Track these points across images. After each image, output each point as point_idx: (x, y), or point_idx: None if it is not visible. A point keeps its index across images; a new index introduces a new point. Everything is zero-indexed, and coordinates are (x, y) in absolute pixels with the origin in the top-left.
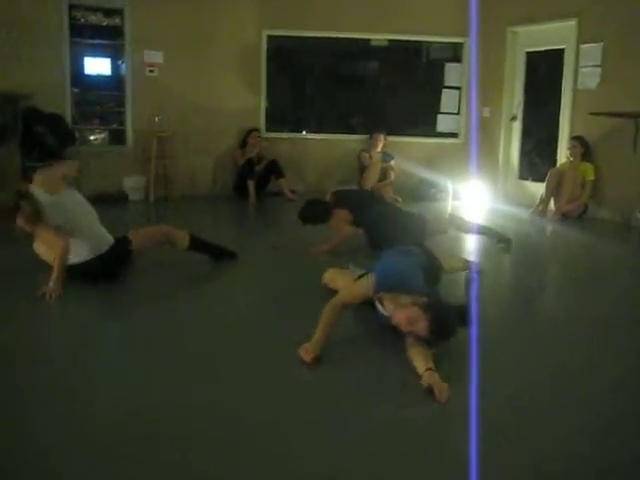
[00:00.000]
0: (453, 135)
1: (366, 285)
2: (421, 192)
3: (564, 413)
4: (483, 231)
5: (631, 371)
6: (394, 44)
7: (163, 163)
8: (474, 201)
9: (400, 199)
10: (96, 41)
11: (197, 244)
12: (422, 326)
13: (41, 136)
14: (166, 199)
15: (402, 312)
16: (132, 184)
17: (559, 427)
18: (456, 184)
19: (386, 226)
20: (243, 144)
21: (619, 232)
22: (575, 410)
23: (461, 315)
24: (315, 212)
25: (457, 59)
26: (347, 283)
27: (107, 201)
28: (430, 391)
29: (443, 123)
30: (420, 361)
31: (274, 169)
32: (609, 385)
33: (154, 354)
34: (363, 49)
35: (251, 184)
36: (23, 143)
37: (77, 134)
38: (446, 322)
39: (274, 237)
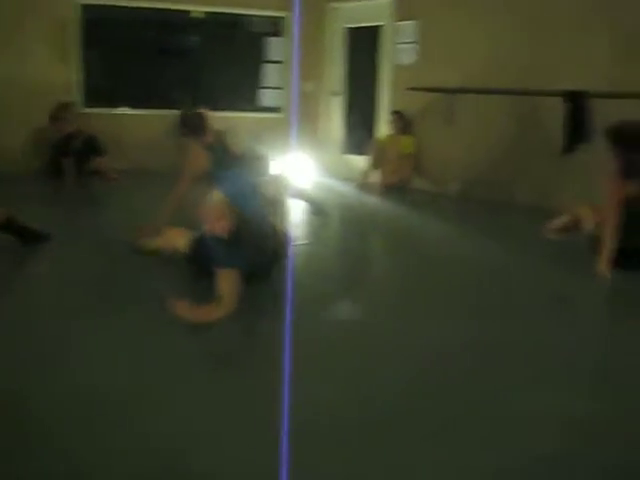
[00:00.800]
0: (276, 110)
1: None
2: (244, 167)
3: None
4: (306, 199)
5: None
6: (214, 17)
7: None
8: (298, 175)
9: None
10: None
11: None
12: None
13: None
14: None
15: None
16: None
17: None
18: (280, 159)
19: None
20: (54, 119)
21: (437, 202)
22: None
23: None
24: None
25: (278, 33)
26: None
27: None
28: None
29: (266, 98)
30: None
31: (93, 146)
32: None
33: None
34: (183, 21)
35: (67, 162)
36: None
37: None
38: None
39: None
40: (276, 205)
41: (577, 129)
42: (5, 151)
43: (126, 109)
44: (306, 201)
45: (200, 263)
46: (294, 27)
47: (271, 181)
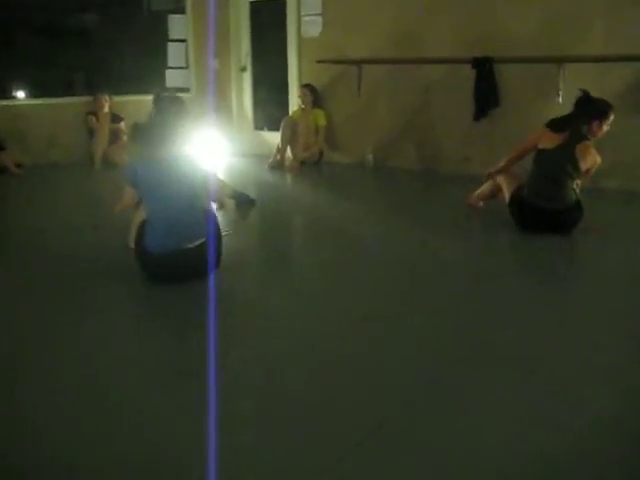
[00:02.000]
0: (184, 90)
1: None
2: None
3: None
4: (232, 195)
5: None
6: None
7: None
8: (211, 154)
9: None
10: None
11: None
12: None
13: None
14: None
15: None
16: None
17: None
18: (192, 139)
19: None
20: None
21: (354, 173)
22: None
23: None
24: None
25: (181, 10)
26: None
27: None
28: None
29: (172, 78)
30: None
31: None
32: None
33: None
34: (80, 2)
35: None
36: None
37: None
38: None
39: None
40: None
41: (487, 94)
42: None
43: (23, 99)
44: (232, 197)
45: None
46: (200, 3)
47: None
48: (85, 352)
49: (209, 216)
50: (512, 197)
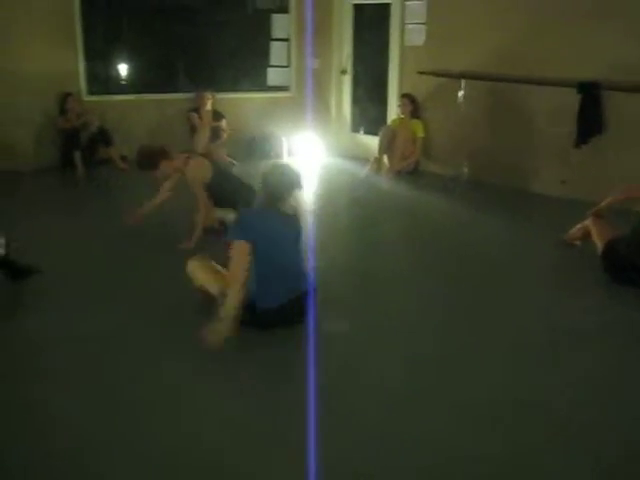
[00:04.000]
0: (284, 89)
1: (235, 251)
2: (255, 149)
3: None
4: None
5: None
6: None
7: None
8: (308, 156)
9: (235, 162)
10: None
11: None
12: None
13: None
14: None
15: None
16: None
17: None
18: (290, 139)
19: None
20: (62, 111)
21: (447, 186)
22: None
23: None
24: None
25: (284, 10)
26: (209, 277)
27: None
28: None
29: (273, 77)
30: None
31: (102, 137)
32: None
33: None
34: (184, 2)
35: (77, 155)
36: None
37: None
38: None
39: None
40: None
41: (591, 121)
42: (19, 147)
43: (131, 95)
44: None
45: None
46: (301, 3)
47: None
48: (188, 409)
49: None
50: (606, 249)
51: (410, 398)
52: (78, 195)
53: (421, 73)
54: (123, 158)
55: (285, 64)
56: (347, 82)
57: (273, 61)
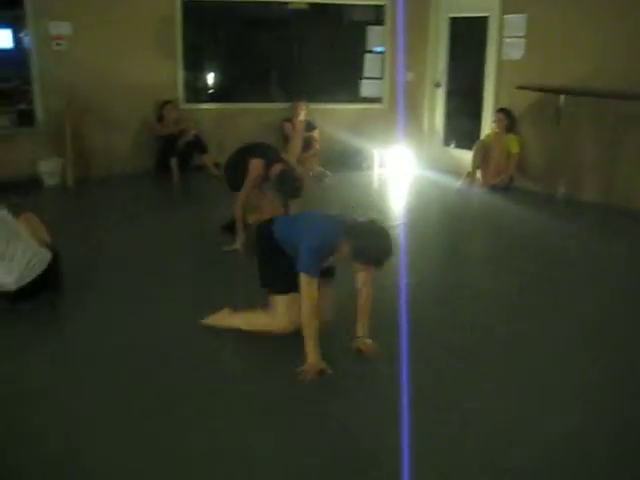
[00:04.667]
0: (377, 100)
1: (310, 287)
2: (346, 160)
3: None
4: None
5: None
6: (314, 7)
7: (79, 144)
8: (399, 168)
9: (328, 172)
10: None
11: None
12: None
13: None
14: (84, 181)
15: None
16: (47, 168)
17: None
18: (381, 151)
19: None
20: (159, 118)
21: (543, 203)
22: None
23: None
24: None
25: (379, 22)
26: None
27: (19, 188)
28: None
29: (366, 88)
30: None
31: (197, 144)
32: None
33: None
34: (282, 13)
35: (173, 162)
36: None
37: None
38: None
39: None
40: None
41: None
42: (117, 153)
43: (226, 104)
44: None
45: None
46: (396, 15)
47: None
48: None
49: None
50: None
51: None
52: (173, 199)
53: (520, 88)
54: (216, 165)
55: (378, 76)
56: (440, 95)
57: (367, 73)
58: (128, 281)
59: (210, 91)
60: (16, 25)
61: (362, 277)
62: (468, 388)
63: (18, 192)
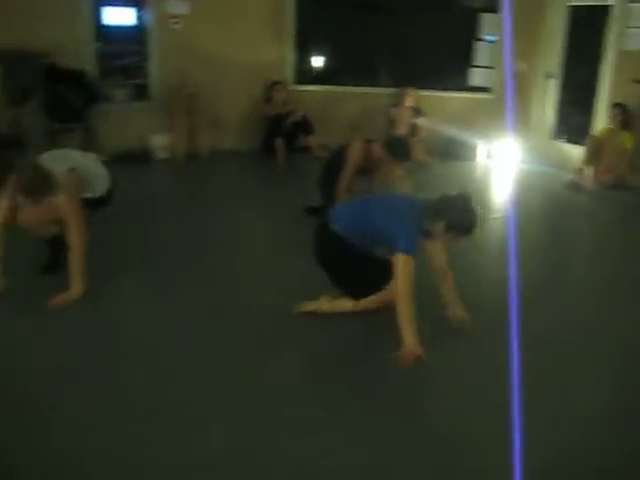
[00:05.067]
0: (486, 90)
1: (408, 266)
2: (451, 150)
3: None
4: None
5: None
6: None
7: (190, 119)
8: (506, 160)
9: (433, 160)
10: None
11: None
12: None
13: (65, 95)
14: (193, 156)
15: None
16: (158, 142)
17: None
18: (488, 142)
19: None
20: (268, 98)
21: None
22: None
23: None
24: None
25: (493, 9)
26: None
27: (132, 159)
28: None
29: (476, 77)
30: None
31: (304, 125)
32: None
33: None
34: None
35: (279, 142)
36: (47, 104)
37: (100, 91)
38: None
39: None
40: None
41: None
42: (226, 129)
43: (334, 87)
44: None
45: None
46: (518, 3)
47: None
48: None
49: None
50: None
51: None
52: (276, 179)
53: (637, 81)
54: (322, 147)
55: (489, 65)
56: (552, 87)
57: (477, 61)
58: (219, 260)
59: (318, 73)
60: (138, 4)
61: (438, 257)
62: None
63: (131, 163)
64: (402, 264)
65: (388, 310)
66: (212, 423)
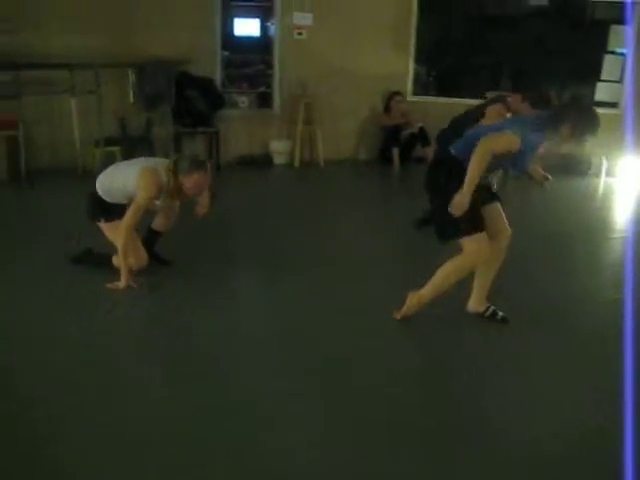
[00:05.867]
0: (613, 105)
1: (503, 140)
2: (571, 166)
3: None
4: None
5: None
6: (554, 3)
7: (309, 127)
8: (630, 177)
9: (550, 177)
10: (246, 3)
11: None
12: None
13: (192, 101)
14: (310, 164)
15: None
16: (278, 148)
17: None
18: (611, 159)
19: None
20: (387, 108)
21: None
22: None
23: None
24: None
25: (624, 21)
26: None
27: (252, 164)
28: None
29: (603, 91)
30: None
31: (420, 136)
32: None
33: None
34: (520, 9)
35: (396, 152)
36: (176, 109)
37: (226, 98)
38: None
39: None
40: None
41: None
42: (343, 138)
43: (452, 98)
44: None
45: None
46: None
47: None
48: None
49: None
50: None
51: None
52: (390, 189)
53: None
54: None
55: (617, 79)
56: None
57: (605, 75)
58: (324, 263)
59: (437, 85)
60: (264, 15)
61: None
62: None
63: (251, 166)
64: (500, 135)
65: None
66: None
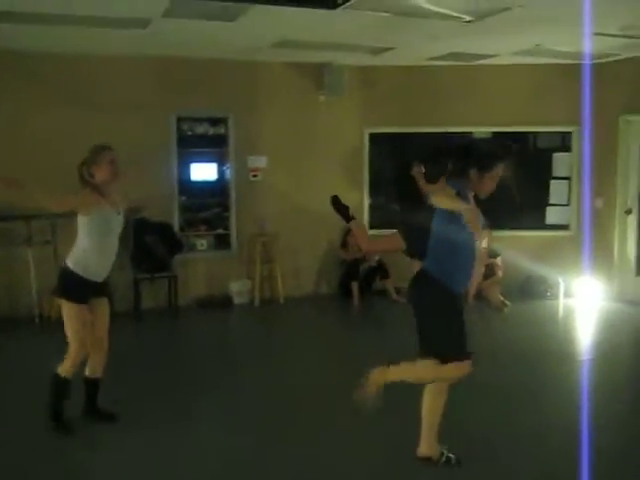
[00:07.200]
0: (563, 227)
1: None
2: (530, 289)
3: None
4: None
5: None
6: (498, 135)
7: (268, 266)
8: (587, 299)
9: (508, 302)
10: (201, 149)
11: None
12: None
13: (151, 246)
14: (271, 301)
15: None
16: (237, 288)
17: None
18: (567, 280)
19: None
20: (344, 244)
21: None
22: None
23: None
24: None
25: (566, 148)
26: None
27: (212, 305)
28: None
29: (552, 215)
30: None
31: (379, 269)
32: None
33: None
34: (465, 143)
35: (355, 286)
36: (134, 255)
37: (184, 241)
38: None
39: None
40: None
41: None
42: (303, 275)
43: None
44: None
45: None
46: (583, 142)
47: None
48: None
49: None
50: None
51: None
52: (351, 323)
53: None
54: (397, 290)
55: (565, 202)
56: (632, 222)
57: (553, 199)
58: (285, 401)
59: (392, 216)
60: (220, 160)
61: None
62: None
63: (211, 308)
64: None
65: None
66: None
